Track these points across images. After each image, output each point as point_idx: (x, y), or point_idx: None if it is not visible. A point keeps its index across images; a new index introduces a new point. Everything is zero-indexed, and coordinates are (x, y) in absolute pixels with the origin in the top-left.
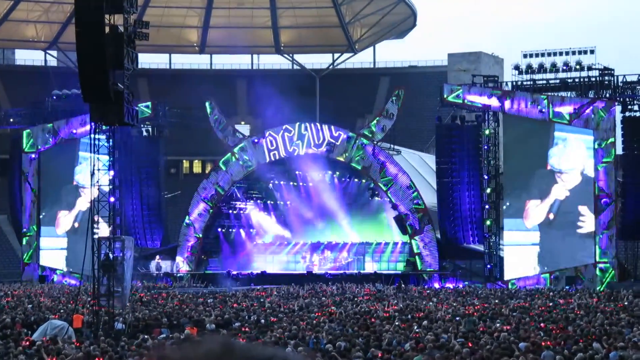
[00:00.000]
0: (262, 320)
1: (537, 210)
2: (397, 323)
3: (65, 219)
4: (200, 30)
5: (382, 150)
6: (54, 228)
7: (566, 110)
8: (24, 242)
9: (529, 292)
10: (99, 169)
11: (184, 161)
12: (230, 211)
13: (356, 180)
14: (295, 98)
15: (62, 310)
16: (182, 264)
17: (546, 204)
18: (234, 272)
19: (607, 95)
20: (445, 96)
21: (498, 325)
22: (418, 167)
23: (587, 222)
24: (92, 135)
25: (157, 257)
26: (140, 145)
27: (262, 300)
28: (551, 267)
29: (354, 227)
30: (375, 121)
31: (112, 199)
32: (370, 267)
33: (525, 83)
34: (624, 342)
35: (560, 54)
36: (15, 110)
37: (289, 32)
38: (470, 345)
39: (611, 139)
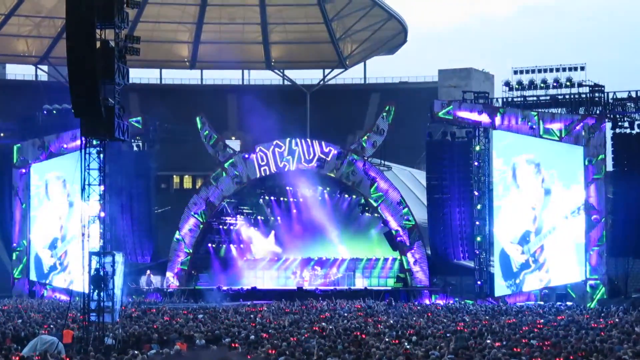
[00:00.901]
0: (252, 336)
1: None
2: (387, 339)
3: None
4: (191, 46)
5: (373, 166)
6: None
7: (556, 126)
8: (14, 257)
9: (519, 309)
10: (89, 184)
11: (175, 176)
12: (221, 226)
13: (347, 196)
14: (286, 113)
15: (52, 326)
16: (172, 279)
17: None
18: (224, 288)
19: (598, 111)
20: (435, 112)
21: (489, 341)
22: (408, 183)
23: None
24: (83, 150)
25: (148, 271)
26: (131, 160)
27: (252, 316)
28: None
29: (344, 243)
30: (365, 137)
31: (102, 214)
32: (360, 283)
33: (515, 99)
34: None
35: (551, 70)
36: (6, 125)
37: (279, 47)
38: None
39: (601, 156)
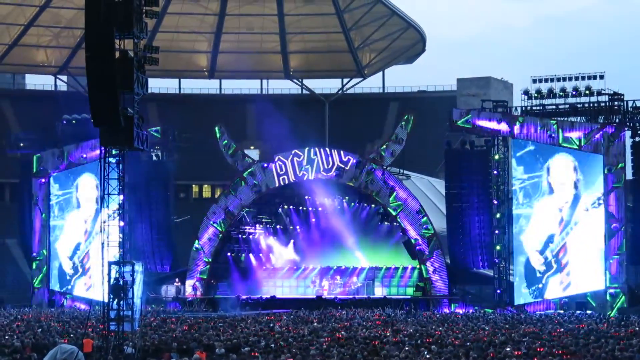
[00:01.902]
0: (272, 345)
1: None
2: (407, 348)
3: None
4: (210, 55)
5: (392, 175)
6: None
7: (575, 135)
8: (34, 266)
9: (538, 318)
10: (108, 193)
11: (194, 186)
12: (240, 236)
13: (365, 205)
14: (305, 123)
15: (72, 335)
16: (200, 288)
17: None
18: (244, 297)
19: (617, 120)
20: (454, 121)
21: (508, 350)
22: (427, 192)
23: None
24: (102, 160)
25: (177, 280)
26: (150, 170)
27: (271, 324)
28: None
29: (363, 251)
30: (384, 146)
31: (121, 224)
32: (379, 292)
33: (534, 108)
34: None
35: (570, 79)
36: (26, 135)
37: (298, 57)
38: None
39: (621, 164)
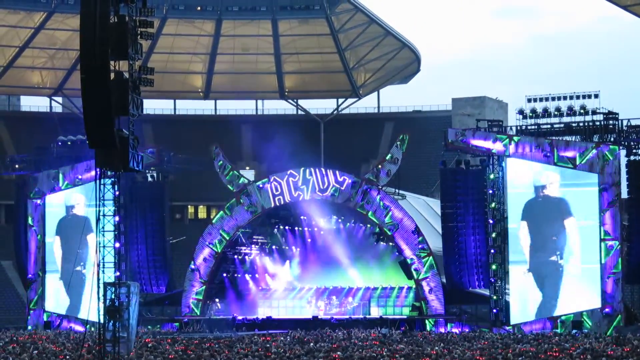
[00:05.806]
0: None
1: None
2: None
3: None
4: (205, 76)
5: (387, 195)
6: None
7: (571, 154)
8: (29, 287)
9: (535, 337)
10: (104, 215)
11: (189, 206)
12: (236, 256)
13: (361, 225)
14: (300, 143)
15: (67, 357)
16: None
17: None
18: (240, 318)
19: (612, 139)
20: (449, 141)
21: None
22: (423, 212)
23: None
24: (98, 181)
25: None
26: (145, 191)
27: (267, 345)
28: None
29: (359, 271)
30: (380, 166)
31: (117, 245)
32: (375, 312)
33: (529, 127)
34: None
35: (565, 98)
36: (21, 157)
37: (293, 77)
38: None
39: (616, 183)
